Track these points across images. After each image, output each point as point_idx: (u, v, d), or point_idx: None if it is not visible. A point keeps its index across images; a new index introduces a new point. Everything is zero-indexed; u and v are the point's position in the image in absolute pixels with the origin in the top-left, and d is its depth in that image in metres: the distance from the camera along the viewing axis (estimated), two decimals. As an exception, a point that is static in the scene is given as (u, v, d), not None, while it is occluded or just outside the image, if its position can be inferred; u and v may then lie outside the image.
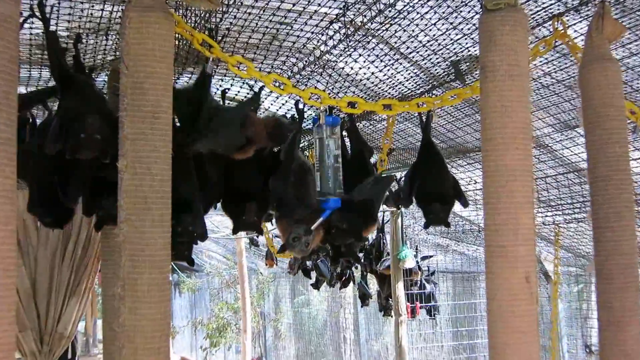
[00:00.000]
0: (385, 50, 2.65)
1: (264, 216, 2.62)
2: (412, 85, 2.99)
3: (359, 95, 3.06)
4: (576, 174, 3.78)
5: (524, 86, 1.68)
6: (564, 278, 5.15)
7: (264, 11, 2.28)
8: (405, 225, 5.28)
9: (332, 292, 9.07)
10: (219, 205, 2.58)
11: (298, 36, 2.51)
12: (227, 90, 2.87)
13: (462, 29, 2.44)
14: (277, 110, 3.38)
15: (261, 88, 2.73)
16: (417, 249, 5.73)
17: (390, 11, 2.31)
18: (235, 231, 2.57)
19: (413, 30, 2.48)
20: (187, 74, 2.82)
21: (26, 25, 2.19)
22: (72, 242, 3.50)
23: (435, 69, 2.82)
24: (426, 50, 2.64)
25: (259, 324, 10.84)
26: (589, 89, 1.90)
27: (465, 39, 2.50)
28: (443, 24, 2.42)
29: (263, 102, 3.23)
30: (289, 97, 3.14)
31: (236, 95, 3.15)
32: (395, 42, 2.59)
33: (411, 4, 2.26)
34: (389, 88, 3.03)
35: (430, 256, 6.15)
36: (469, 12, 2.31)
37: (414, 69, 2.84)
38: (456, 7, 2.29)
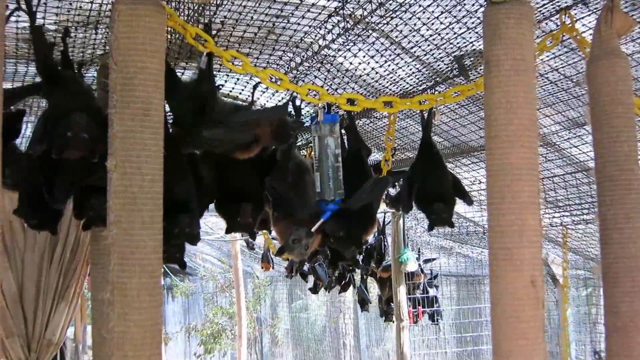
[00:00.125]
0: (386, 45, 2.65)
1: (259, 217, 2.62)
2: (414, 82, 2.99)
3: (358, 92, 3.06)
4: (584, 173, 3.78)
5: (530, 82, 1.68)
6: (572, 282, 5.16)
7: (259, 4, 2.28)
8: (407, 226, 5.28)
9: (331, 296, 9.07)
10: (212, 205, 2.58)
11: (295, 30, 2.50)
12: (221, 87, 2.87)
13: (466, 22, 2.44)
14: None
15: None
16: (419, 251, 5.73)
17: (391, 4, 2.31)
18: (228, 230, 2.58)
19: (415, 24, 2.48)
20: (180, 69, 2.82)
21: (12, 19, 2.19)
22: (60, 244, 3.49)
23: (438, 64, 2.82)
24: (429, 45, 2.64)
25: (255, 330, 10.85)
26: (597, 85, 1.90)
27: (469, 32, 2.50)
28: (446, 17, 2.41)
29: (259, 98, 3.23)
30: (286, 94, 3.14)
31: (230, 91, 3.14)
32: (397, 36, 2.59)
33: (413, -3, 2.27)
34: (390, 84, 3.03)
35: (433, 259, 6.16)
36: (473, 4, 2.31)
37: (416, 65, 2.84)
38: (460, -1, 2.29)
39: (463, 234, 5.49)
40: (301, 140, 3.83)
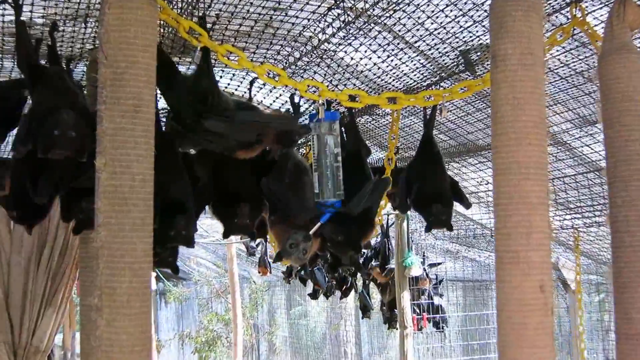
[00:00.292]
0: (388, 39, 2.66)
1: (257, 218, 2.62)
2: (418, 77, 3.00)
3: (360, 88, 3.06)
4: (597, 173, 3.78)
5: (539, 77, 1.68)
6: (584, 287, 5.16)
7: (256, -4, 2.28)
8: (411, 229, 5.28)
9: (332, 302, 9.07)
10: (207, 207, 2.58)
11: (294, 23, 2.51)
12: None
13: (472, 15, 2.44)
14: (271, 104, 3.38)
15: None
16: (424, 255, 5.73)
17: (394, -4, 2.31)
18: (226, 235, 2.58)
19: (419, 17, 2.48)
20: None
21: (-2, 12, 2.20)
22: (48, 247, 3.49)
23: (443, 59, 2.82)
24: (433, 39, 2.64)
25: (251, 337, 10.85)
26: (608, 81, 1.91)
27: (476, 26, 2.51)
28: (452, 10, 2.42)
29: (255, 95, 3.24)
30: (284, 90, 3.14)
31: (226, 87, 3.15)
32: (400, 30, 2.59)
33: (417, -12, 2.27)
34: (393, 80, 3.03)
35: (439, 263, 6.16)
36: (479, -3, 2.31)
37: (420, 60, 2.84)
38: (466, -9, 2.29)
39: (470, 237, 5.49)
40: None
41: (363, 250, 3.03)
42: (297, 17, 2.45)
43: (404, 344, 4.94)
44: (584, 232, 4.49)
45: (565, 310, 5.09)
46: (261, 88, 3.22)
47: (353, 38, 2.64)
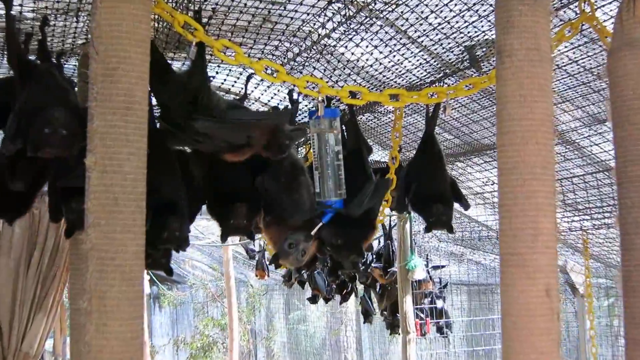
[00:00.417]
0: (391, 34, 2.66)
1: (255, 219, 2.62)
2: (422, 74, 3.00)
3: (360, 84, 3.06)
4: (606, 173, 3.78)
5: (546, 74, 1.68)
6: (593, 291, 5.16)
7: (253, -11, 2.28)
8: (414, 231, 5.28)
9: (332, 307, 9.07)
10: (203, 208, 2.58)
11: (292, 18, 2.51)
12: (211, 79, 2.87)
13: (477, 9, 2.44)
14: (269, 101, 3.39)
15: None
16: (427, 258, 5.73)
17: (396, -11, 2.32)
18: (224, 237, 2.58)
19: (422, 11, 2.48)
20: (167, 60, 2.82)
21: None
22: (38, 249, 3.50)
23: (448, 55, 2.82)
24: (437, 34, 2.64)
25: (248, 343, 10.85)
26: (618, 78, 1.90)
27: (481, 21, 2.51)
28: (456, 5, 2.42)
29: (252, 91, 3.24)
30: (282, 86, 3.14)
31: (222, 83, 3.15)
32: (403, 25, 2.59)
33: (420, -18, 2.27)
34: (395, 76, 3.03)
35: (442, 266, 6.16)
36: (484, -10, 2.32)
37: (423, 55, 2.84)
38: (471, -15, 2.29)
39: (475, 239, 5.49)
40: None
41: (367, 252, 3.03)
42: (296, 11, 2.45)
43: (406, 350, 4.94)
44: (592, 234, 4.49)
45: (574, 315, 5.09)
46: (258, 84, 3.22)
47: (354, 33, 2.64)
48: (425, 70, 2.97)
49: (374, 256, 5.22)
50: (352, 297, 5.57)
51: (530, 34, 1.66)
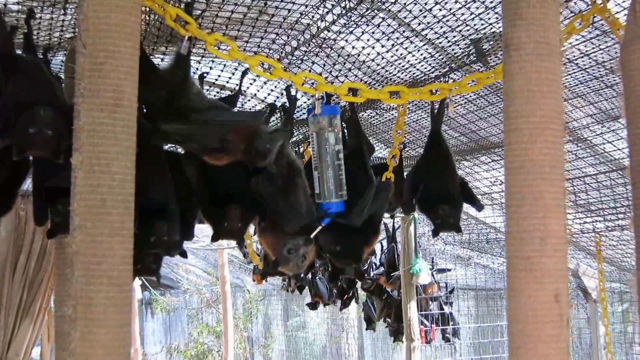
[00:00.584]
0: (393, 27, 2.66)
1: (249, 222, 2.62)
2: (426, 68, 3.00)
3: (362, 80, 3.06)
4: (620, 172, 3.78)
5: (555, 68, 1.68)
6: (606, 296, 5.16)
7: (249, -20, 2.28)
8: (419, 233, 5.28)
9: (333, 313, 9.08)
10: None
11: (290, 10, 2.51)
12: (205, 75, 2.87)
13: (484, 1, 2.44)
14: (265, 98, 3.38)
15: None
16: (432, 261, 5.73)
17: (399, -20, 2.32)
18: (215, 238, 2.58)
19: (426, 3, 2.48)
20: (159, 54, 2.82)
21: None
22: (24, 253, 3.50)
23: (453, 49, 2.82)
24: (442, 27, 2.64)
25: (245, 351, 10.85)
26: (632, 72, 1.90)
27: (488, 13, 2.51)
28: (461, -5, 2.42)
29: (248, 87, 3.24)
30: (280, 82, 3.14)
31: (216, 80, 3.15)
32: (406, 17, 2.59)
33: (423, -28, 2.27)
34: (398, 71, 3.03)
35: (448, 270, 6.16)
36: (491, -19, 2.32)
37: (427, 49, 2.84)
38: (476, -25, 2.29)
39: (482, 241, 5.49)
40: (297, 134, 3.84)
41: (369, 256, 3.03)
42: (294, 2, 2.45)
43: (410, 358, 4.94)
44: (605, 236, 4.49)
45: (586, 321, 5.10)
46: (255, 80, 3.22)
47: (355, 26, 2.64)
48: (430, 64, 2.97)
49: (378, 262, 5.23)
50: (354, 303, 5.58)
51: (539, 26, 1.66)
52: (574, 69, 2.90)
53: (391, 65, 2.98)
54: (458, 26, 2.62)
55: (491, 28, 2.62)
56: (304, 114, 3.38)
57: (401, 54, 2.87)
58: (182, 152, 2.56)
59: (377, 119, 3.76)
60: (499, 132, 3.64)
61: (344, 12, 2.52)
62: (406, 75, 3.07)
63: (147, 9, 2.27)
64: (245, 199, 2.48)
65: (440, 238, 5.89)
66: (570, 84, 3.03)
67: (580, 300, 5.19)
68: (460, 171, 4.32)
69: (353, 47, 2.84)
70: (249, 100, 3.43)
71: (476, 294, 7.70)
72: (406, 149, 4.00)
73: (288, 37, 2.74)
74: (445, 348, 6.69)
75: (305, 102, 3.33)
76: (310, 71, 2.92)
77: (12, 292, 3.47)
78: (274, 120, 3.25)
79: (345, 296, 5.28)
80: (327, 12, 2.54)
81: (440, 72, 3.01)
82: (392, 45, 2.78)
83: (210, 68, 3.02)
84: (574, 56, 2.79)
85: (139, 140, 1.61)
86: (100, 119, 1.53)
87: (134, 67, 1.61)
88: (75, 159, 1.51)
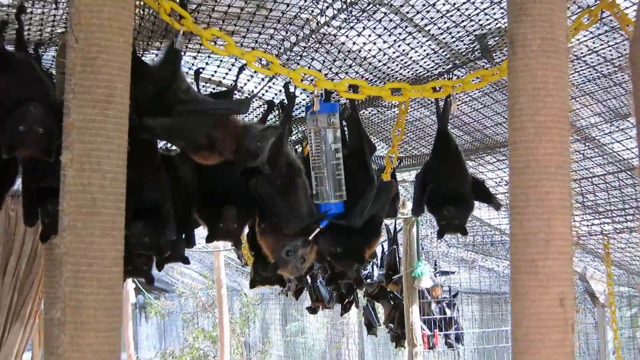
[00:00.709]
0: (396, 22, 2.66)
1: (246, 223, 2.62)
2: (429, 65, 3.00)
3: (363, 77, 3.06)
4: (629, 173, 3.78)
5: (562, 65, 1.68)
6: (615, 300, 5.16)
7: (246, -27, 2.28)
8: (421, 235, 5.29)
9: (333, 318, 9.08)
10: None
11: (289, 4, 2.51)
12: (201, 71, 2.87)
13: (489, -5, 2.44)
14: (262, 95, 3.38)
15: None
16: (435, 264, 5.74)
17: (401, -27, 2.32)
18: (209, 239, 2.58)
19: (429, -3, 2.49)
20: (154, 50, 2.82)
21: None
22: (14, 255, 3.50)
23: (457, 45, 2.82)
24: (446, 22, 2.64)
25: (242, 357, 10.85)
26: (641, 69, 1.91)
27: (493, 7, 2.51)
28: (466, -10, 2.42)
29: (245, 84, 3.24)
30: (277, 79, 3.14)
31: (212, 76, 3.15)
32: (409, 12, 2.59)
33: (427, -35, 2.28)
34: (400, 68, 3.03)
35: (452, 272, 6.16)
36: (496, -25, 2.32)
37: (431, 45, 2.84)
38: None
39: (487, 244, 5.49)
40: (297, 133, 3.84)
41: (369, 260, 3.03)
42: (292, -4, 2.45)
43: (412, 364, 4.94)
44: (614, 238, 4.50)
45: (594, 326, 5.10)
46: (252, 76, 3.22)
47: (356, 21, 2.64)
48: (433, 61, 2.97)
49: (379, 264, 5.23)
50: (354, 307, 5.58)
51: (545, 22, 1.66)
52: (581, 66, 2.90)
53: (393, 62, 2.98)
54: (462, 21, 2.62)
55: (496, 23, 2.62)
56: (303, 111, 3.38)
57: (403, 50, 2.87)
58: (178, 151, 2.56)
59: (378, 117, 3.76)
60: (504, 131, 3.64)
61: (344, 6, 2.52)
62: (408, 72, 3.07)
63: (142, 3, 2.27)
64: (241, 199, 2.48)
65: (444, 240, 5.89)
66: (577, 82, 3.03)
67: (588, 304, 5.20)
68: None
69: (354, 43, 2.83)
70: (245, 97, 3.43)
71: (480, 298, 7.70)
72: (406, 147, 4.01)
73: (287, 33, 2.74)
74: (449, 354, 6.70)
75: (304, 100, 3.33)
76: (309, 68, 2.92)
77: (2, 295, 3.47)
78: (272, 118, 3.26)
79: (346, 300, 5.28)
80: (328, 7, 2.54)
81: (443, 69, 3.01)
82: (394, 41, 2.78)
83: (207, 64, 3.02)
84: (582, 53, 2.79)
85: (131, 138, 1.62)
86: (92, 115, 1.53)
87: (126, 62, 1.62)
88: (65, 157, 1.51)
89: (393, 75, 3.10)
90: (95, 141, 1.52)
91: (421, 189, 2.89)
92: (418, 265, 5.01)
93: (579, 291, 5.28)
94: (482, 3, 2.50)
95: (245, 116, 3.57)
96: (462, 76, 2.91)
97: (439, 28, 2.69)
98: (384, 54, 2.91)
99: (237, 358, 10.54)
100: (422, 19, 2.63)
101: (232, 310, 10.43)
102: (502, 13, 2.52)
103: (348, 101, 2.94)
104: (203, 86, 3.14)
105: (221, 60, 3.02)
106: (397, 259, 5.25)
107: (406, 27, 2.69)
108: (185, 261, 2.72)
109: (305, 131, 3.74)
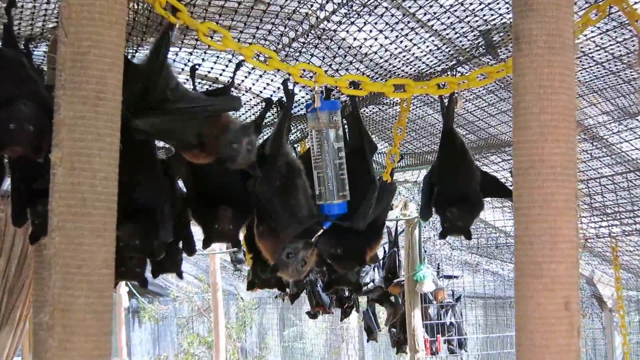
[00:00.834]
0: (398, 17, 2.66)
1: (243, 224, 2.62)
2: (432, 61, 3.00)
3: (364, 73, 3.06)
4: (638, 173, 3.79)
5: (568, 62, 1.68)
6: (623, 304, 5.17)
7: (243, -34, 2.28)
8: (424, 237, 5.29)
9: (332, 322, 9.08)
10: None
11: (287, -2, 2.51)
12: (197, 67, 2.87)
13: (494, -11, 2.44)
14: (261, 92, 3.38)
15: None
16: (438, 267, 5.74)
17: (403, -33, 2.32)
18: (206, 243, 2.58)
19: (433, -8, 2.49)
20: (148, 45, 2.82)
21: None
22: (4, 256, 3.50)
23: (461, 41, 2.82)
24: (449, 17, 2.64)
25: (239, 362, 10.86)
26: (650, 66, 1.91)
27: (498, 2, 2.51)
28: (470, -16, 2.42)
29: (243, 81, 3.24)
30: (277, 75, 3.14)
31: (209, 72, 3.15)
32: (411, 7, 2.59)
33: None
34: (403, 64, 3.03)
35: (455, 276, 6.17)
36: (502, -32, 2.32)
37: (434, 41, 2.84)
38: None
39: (491, 246, 5.49)
40: (296, 132, 3.84)
41: (371, 263, 3.03)
42: (291, -10, 2.45)
43: (414, 371, 4.95)
44: (622, 241, 4.50)
45: (601, 331, 5.10)
46: (250, 73, 3.22)
47: (357, 16, 2.64)
48: (436, 57, 2.97)
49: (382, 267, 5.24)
50: (354, 312, 5.58)
51: (552, 17, 1.66)
52: (589, 63, 2.90)
53: (395, 58, 2.98)
54: (466, 17, 2.62)
55: (501, 19, 2.62)
56: (302, 109, 3.38)
57: (406, 46, 2.87)
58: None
59: (380, 115, 3.76)
60: (509, 129, 3.64)
61: (345, 1, 2.52)
62: (411, 68, 3.07)
63: (136, -4, 2.27)
64: (237, 199, 2.48)
65: (447, 243, 5.90)
66: (585, 79, 3.03)
67: (595, 309, 5.20)
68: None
69: (355, 39, 2.83)
70: (243, 94, 3.43)
71: (485, 303, 7.71)
72: (407, 147, 4.01)
73: (285, 28, 2.74)
74: (451, 360, 6.70)
75: (303, 97, 3.33)
76: (309, 63, 2.92)
77: (-9, 299, 3.47)
78: (270, 116, 3.26)
79: (346, 304, 5.28)
80: (327, 1, 2.54)
81: (447, 65, 3.01)
82: (396, 36, 2.78)
83: (203, 60, 3.02)
84: (589, 49, 2.79)
85: (124, 136, 1.61)
86: (82, 112, 1.53)
87: (119, 57, 1.61)
88: (55, 155, 1.51)
89: (395, 72, 3.10)
90: (85, 139, 1.52)
91: (428, 192, 2.89)
92: (420, 268, 5.02)
93: (586, 295, 5.29)
94: (487, -3, 2.50)
95: (242, 114, 3.58)
96: (467, 73, 2.91)
97: (442, 23, 2.69)
98: (386, 50, 2.91)
99: (234, 363, 10.55)
100: (425, 14, 2.63)
101: (228, 314, 10.42)
102: (508, 8, 2.52)
103: (348, 99, 2.94)
104: (199, 83, 3.14)
105: (218, 57, 3.02)
106: (398, 262, 5.25)
107: (408, 22, 2.69)
108: (180, 276, 2.72)
109: (304, 130, 3.74)
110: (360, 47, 2.90)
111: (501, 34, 2.74)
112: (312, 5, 2.58)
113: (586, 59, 2.87)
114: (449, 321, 5.57)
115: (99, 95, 1.54)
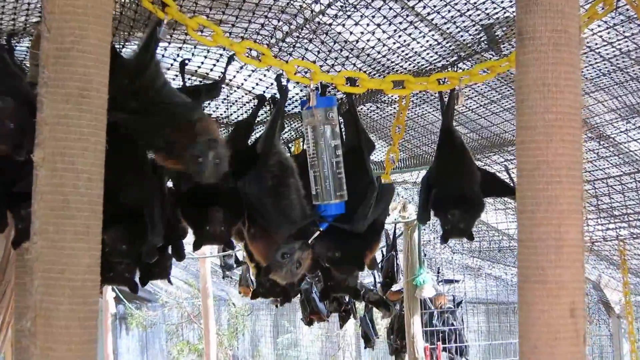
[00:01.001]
0: (396, 10, 2.66)
1: (234, 225, 2.62)
2: (432, 57, 3.00)
3: (361, 69, 3.06)
4: (646, 174, 3.80)
5: (574, 59, 1.68)
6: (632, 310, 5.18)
7: (234, -43, 2.28)
8: (423, 241, 5.30)
9: (328, 329, 9.08)
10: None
11: (281, -9, 2.51)
12: (186, 62, 2.87)
13: (496, -18, 2.45)
14: (253, 88, 3.38)
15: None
16: (438, 272, 5.75)
17: (402, -41, 2.32)
18: (197, 245, 2.58)
19: (432, -16, 2.49)
20: (136, 40, 2.82)
21: None
22: (-16, 261, 3.48)
23: (462, 36, 2.82)
24: (450, 11, 2.64)
25: (231, 371, 10.86)
26: (659, 62, 1.92)
27: (501, -5, 2.52)
28: (472, -24, 2.43)
29: (234, 77, 3.23)
30: (270, 71, 3.14)
31: (198, 68, 3.15)
32: (410, 0, 2.59)
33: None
34: (401, 60, 3.03)
35: (456, 281, 6.18)
36: (504, -39, 2.32)
37: (434, 36, 2.84)
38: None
39: (494, 250, 5.50)
40: (290, 130, 3.84)
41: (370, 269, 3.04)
42: (285, -17, 2.45)
43: (414, 380, 4.95)
44: (631, 244, 4.51)
45: (608, 338, 5.12)
46: (242, 69, 3.22)
47: (353, 9, 2.64)
48: (436, 52, 2.97)
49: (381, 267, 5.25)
50: (352, 317, 5.58)
51: (556, 12, 1.66)
52: (595, 59, 2.91)
53: (393, 54, 2.98)
54: (468, 10, 2.63)
55: (504, 12, 2.62)
56: (296, 106, 3.38)
57: (404, 41, 2.87)
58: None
59: (377, 113, 3.76)
60: (513, 128, 3.65)
61: (341, -7, 2.53)
62: (410, 64, 3.07)
63: (122, -11, 2.27)
64: (228, 200, 2.48)
65: (448, 246, 5.90)
66: (591, 76, 3.04)
67: (602, 315, 5.21)
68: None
69: (351, 33, 2.83)
70: (234, 91, 3.43)
71: (487, 309, 7.72)
72: (408, 146, 4.02)
73: (278, 22, 2.74)
74: (453, 368, 6.71)
75: (297, 94, 3.33)
76: (303, 59, 2.92)
77: (-29, 305, 3.46)
78: (262, 114, 3.25)
79: (342, 308, 5.27)
80: (323, -6, 2.54)
81: (447, 61, 3.01)
82: (395, 31, 2.78)
83: (192, 55, 3.02)
84: (596, 44, 2.80)
85: (112, 135, 1.61)
86: (65, 111, 1.53)
87: (104, 54, 1.61)
88: (37, 155, 1.51)
89: (393, 68, 3.10)
90: (68, 138, 1.52)
91: (426, 194, 2.89)
92: (420, 273, 5.02)
93: (593, 301, 5.30)
94: (489, -10, 2.50)
95: (234, 112, 3.58)
96: (468, 69, 2.91)
97: (443, 17, 2.69)
98: (384, 45, 2.91)
99: (225, 372, 10.56)
100: (425, 8, 2.63)
101: (220, 321, 10.42)
102: (511, 1, 2.53)
103: (345, 96, 2.94)
104: (189, 79, 3.14)
105: (208, 51, 3.02)
106: (396, 266, 5.26)
107: (407, 16, 2.69)
108: (170, 281, 2.72)
109: (298, 129, 3.75)
110: (357, 42, 2.90)
111: (504, 29, 2.74)
112: (307, -2, 2.58)
113: (592, 55, 2.87)
114: (450, 328, 5.58)
115: (82, 93, 1.54)
